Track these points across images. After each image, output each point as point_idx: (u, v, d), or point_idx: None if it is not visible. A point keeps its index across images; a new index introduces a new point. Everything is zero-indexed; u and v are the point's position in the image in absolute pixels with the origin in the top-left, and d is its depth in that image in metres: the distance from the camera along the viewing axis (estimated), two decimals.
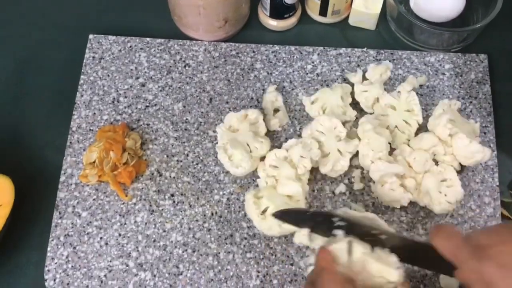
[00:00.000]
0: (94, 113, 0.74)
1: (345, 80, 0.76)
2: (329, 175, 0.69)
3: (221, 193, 0.69)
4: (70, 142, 0.72)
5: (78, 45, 0.79)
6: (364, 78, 0.75)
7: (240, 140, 0.68)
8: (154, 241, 0.66)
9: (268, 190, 0.66)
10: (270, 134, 0.71)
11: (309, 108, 0.73)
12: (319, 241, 0.61)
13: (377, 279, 0.51)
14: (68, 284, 0.64)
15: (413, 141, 0.70)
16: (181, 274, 0.65)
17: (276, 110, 0.74)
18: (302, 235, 0.64)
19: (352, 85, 0.74)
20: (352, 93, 0.74)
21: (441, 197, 0.65)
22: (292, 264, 0.65)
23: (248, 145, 0.68)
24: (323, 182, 0.70)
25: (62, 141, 0.72)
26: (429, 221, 0.67)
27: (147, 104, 0.74)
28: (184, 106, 0.74)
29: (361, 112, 0.73)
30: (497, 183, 0.69)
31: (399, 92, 0.72)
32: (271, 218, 0.62)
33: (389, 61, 0.77)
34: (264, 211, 0.65)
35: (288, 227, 0.63)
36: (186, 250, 0.66)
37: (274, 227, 0.64)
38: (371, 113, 0.73)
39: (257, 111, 0.70)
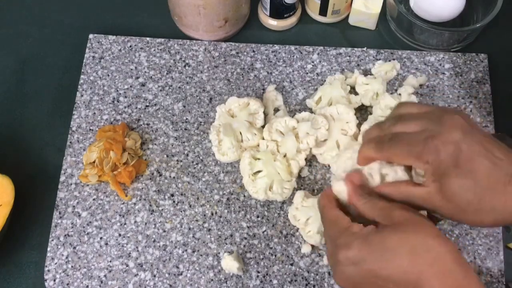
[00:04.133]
0: (94, 113, 0.74)
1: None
2: (318, 158, 0.70)
3: (221, 193, 0.69)
4: (70, 142, 0.72)
5: (78, 45, 0.79)
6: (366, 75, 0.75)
7: (234, 128, 0.69)
8: (154, 241, 0.66)
9: (266, 154, 0.68)
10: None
11: (315, 108, 0.73)
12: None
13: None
14: (68, 284, 0.64)
15: None
16: (181, 274, 0.65)
17: (276, 110, 0.74)
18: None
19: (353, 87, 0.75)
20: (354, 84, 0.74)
21: None
22: (292, 264, 0.65)
23: (240, 133, 0.69)
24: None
25: (62, 141, 0.72)
26: None
27: (147, 104, 0.74)
28: (184, 106, 0.74)
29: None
30: None
31: (399, 94, 0.72)
32: (260, 182, 0.66)
33: (389, 60, 0.77)
34: (256, 173, 0.67)
35: (273, 196, 0.66)
36: (186, 250, 0.66)
37: (261, 192, 0.66)
38: (368, 106, 0.73)
39: (259, 102, 0.71)
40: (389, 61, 0.76)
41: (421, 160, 0.49)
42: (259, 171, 0.68)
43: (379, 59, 0.77)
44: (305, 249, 0.65)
